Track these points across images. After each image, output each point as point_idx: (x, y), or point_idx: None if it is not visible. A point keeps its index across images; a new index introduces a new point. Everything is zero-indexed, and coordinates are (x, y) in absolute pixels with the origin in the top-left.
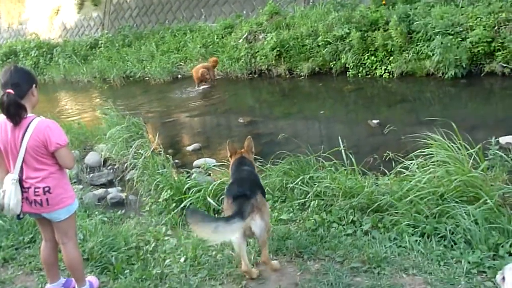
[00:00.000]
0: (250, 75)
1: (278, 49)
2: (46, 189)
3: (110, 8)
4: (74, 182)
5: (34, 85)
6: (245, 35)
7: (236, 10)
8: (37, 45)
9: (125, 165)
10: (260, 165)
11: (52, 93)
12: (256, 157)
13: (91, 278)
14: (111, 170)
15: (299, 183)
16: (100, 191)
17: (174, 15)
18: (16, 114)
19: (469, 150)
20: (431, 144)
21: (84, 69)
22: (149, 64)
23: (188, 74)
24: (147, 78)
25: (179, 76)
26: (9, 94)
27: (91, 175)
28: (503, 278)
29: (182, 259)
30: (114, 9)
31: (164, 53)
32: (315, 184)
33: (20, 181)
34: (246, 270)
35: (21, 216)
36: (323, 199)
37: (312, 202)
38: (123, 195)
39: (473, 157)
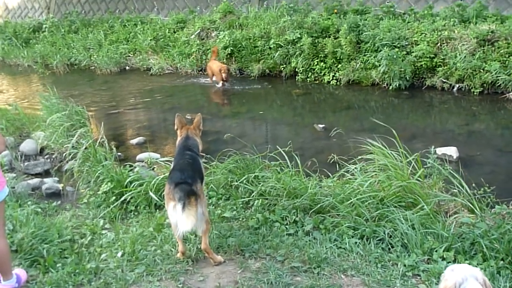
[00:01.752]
0: (200, 72)
1: (230, 48)
2: None
3: None
4: (6, 170)
5: None
6: (197, 32)
7: (190, 6)
8: None
9: (64, 155)
10: (205, 162)
11: None
12: (202, 154)
13: (18, 271)
14: (48, 160)
15: (244, 181)
16: (35, 180)
17: (126, 5)
18: None
19: (408, 158)
20: (373, 151)
21: (25, 52)
22: (96, 53)
23: (136, 66)
24: (93, 67)
25: (127, 67)
26: None
27: (26, 163)
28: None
29: (119, 254)
30: None
31: (113, 43)
32: (259, 184)
33: None
34: (183, 251)
35: None
36: (267, 199)
37: (256, 201)
38: (60, 186)
39: (412, 164)
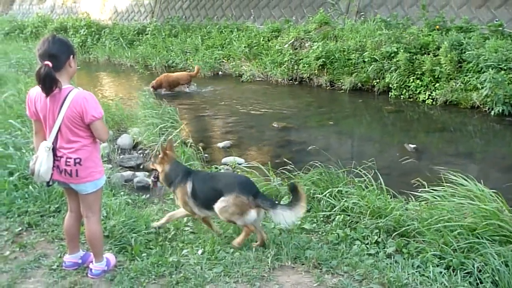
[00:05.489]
0: (291, 81)
1: (323, 59)
2: (77, 160)
3: None
4: (105, 161)
5: (71, 56)
6: (291, 41)
7: (286, 15)
8: (87, 24)
9: (155, 151)
10: (290, 171)
11: (94, 72)
12: (287, 161)
13: (109, 255)
14: (141, 154)
15: (327, 195)
16: (128, 173)
17: (224, 12)
18: (50, 87)
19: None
20: (466, 178)
21: (129, 53)
22: (192, 56)
23: (228, 72)
24: (188, 70)
25: (220, 72)
26: (47, 67)
27: (121, 156)
28: None
29: (200, 252)
30: None
31: (208, 48)
32: (342, 199)
33: (54, 149)
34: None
35: (50, 183)
36: (349, 215)
37: (337, 216)
38: (149, 180)
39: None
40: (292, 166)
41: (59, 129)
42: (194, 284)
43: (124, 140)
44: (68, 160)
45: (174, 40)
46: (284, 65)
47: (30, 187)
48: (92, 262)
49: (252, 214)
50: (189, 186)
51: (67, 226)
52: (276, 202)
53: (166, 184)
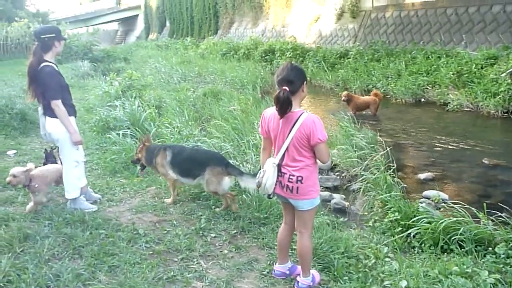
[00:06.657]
0: (506, 114)
1: None
2: (299, 178)
3: (367, 22)
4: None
5: (305, 82)
6: (510, 70)
7: (505, 41)
8: (293, 47)
9: (353, 176)
10: (507, 216)
11: None
12: (502, 205)
13: (314, 272)
14: (338, 177)
15: None
16: (325, 194)
17: (431, 36)
18: (285, 109)
19: None
20: None
21: (329, 76)
22: (394, 82)
23: (432, 99)
24: (388, 96)
25: (422, 99)
26: (285, 91)
27: (319, 176)
28: None
29: (403, 285)
30: (371, 23)
31: (412, 74)
32: None
33: (279, 166)
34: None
35: (271, 196)
36: None
37: None
38: (346, 203)
39: None
40: (508, 210)
41: (287, 148)
42: None
43: None
44: (291, 177)
45: (376, 64)
46: (499, 96)
47: (243, 195)
48: (299, 275)
49: (226, 180)
50: (168, 154)
51: (280, 237)
52: (243, 171)
53: (149, 163)
